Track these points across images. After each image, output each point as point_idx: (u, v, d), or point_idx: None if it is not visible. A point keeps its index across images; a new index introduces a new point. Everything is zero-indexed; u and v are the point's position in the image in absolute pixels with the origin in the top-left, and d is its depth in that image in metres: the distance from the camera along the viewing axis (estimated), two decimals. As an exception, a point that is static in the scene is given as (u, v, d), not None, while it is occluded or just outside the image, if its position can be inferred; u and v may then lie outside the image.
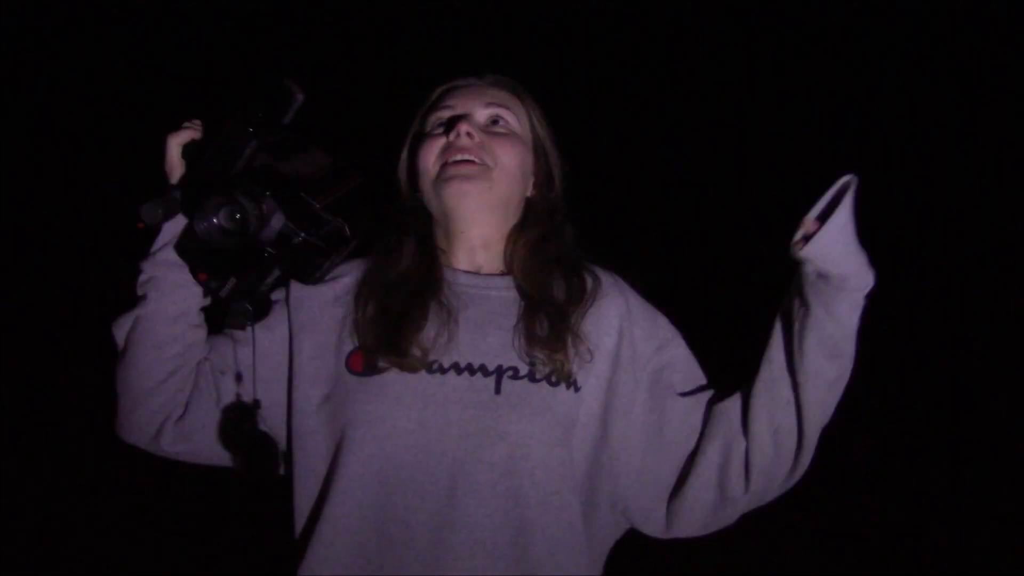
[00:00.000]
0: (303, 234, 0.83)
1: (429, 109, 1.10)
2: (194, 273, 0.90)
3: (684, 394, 1.05)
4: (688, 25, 4.86)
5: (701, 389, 1.07)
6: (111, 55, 4.77)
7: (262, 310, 0.92)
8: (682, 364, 1.07)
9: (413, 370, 0.96)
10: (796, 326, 0.93)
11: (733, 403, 1.01)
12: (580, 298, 1.04)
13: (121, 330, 0.98)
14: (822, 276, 0.88)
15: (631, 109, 4.90)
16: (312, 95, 0.88)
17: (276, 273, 0.90)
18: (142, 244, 0.96)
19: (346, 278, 1.06)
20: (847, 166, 0.89)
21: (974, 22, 4.49)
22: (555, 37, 4.80)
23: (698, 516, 1.02)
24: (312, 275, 0.88)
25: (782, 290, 0.97)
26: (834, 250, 0.85)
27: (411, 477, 0.94)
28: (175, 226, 0.94)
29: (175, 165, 0.95)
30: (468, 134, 1.01)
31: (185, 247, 0.89)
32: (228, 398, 1.01)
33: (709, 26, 4.89)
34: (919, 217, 4.54)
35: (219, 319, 0.96)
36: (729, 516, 1.04)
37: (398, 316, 0.99)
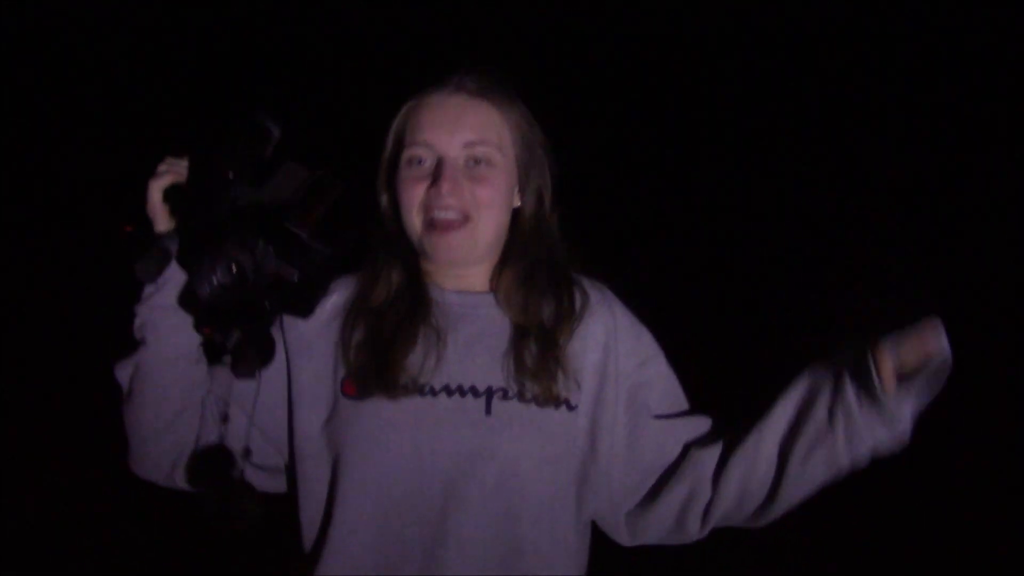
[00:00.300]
0: (297, 272, 0.83)
1: (403, 137, 1.04)
2: (198, 328, 0.90)
3: (659, 416, 1.06)
4: (679, 30, 4.85)
5: (679, 412, 1.08)
6: (104, 57, 4.79)
7: (268, 354, 0.92)
8: (660, 383, 1.08)
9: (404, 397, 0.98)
10: (809, 431, 0.95)
11: (710, 453, 1.03)
12: (568, 319, 1.03)
13: (123, 374, 0.99)
14: (868, 397, 0.90)
15: (622, 112, 4.90)
16: (287, 95, 0.88)
17: (279, 316, 0.92)
18: (130, 248, 0.96)
19: (335, 296, 1.06)
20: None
21: (973, 23, 4.48)
22: (540, 37, 4.79)
23: (654, 536, 1.08)
24: (310, 311, 0.90)
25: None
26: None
27: (405, 496, 0.97)
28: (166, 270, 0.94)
29: (158, 211, 0.93)
30: (450, 191, 0.99)
31: (186, 302, 0.89)
32: (233, 430, 1.01)
33: (700, 32, 4.89)
34: (917, 218, 4.54)
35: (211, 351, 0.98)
36: (686, 540, 1.08)
37: (385, 345, 1.00)
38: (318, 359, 1.03)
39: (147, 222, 0.94)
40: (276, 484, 1.08)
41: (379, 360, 0.99)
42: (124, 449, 1.03)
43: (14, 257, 4.54)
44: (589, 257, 1.11)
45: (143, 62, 4.82)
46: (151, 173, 0.94)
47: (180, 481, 1.02)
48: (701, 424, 1.08)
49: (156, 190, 0.93)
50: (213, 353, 0.97)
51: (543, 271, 1.05)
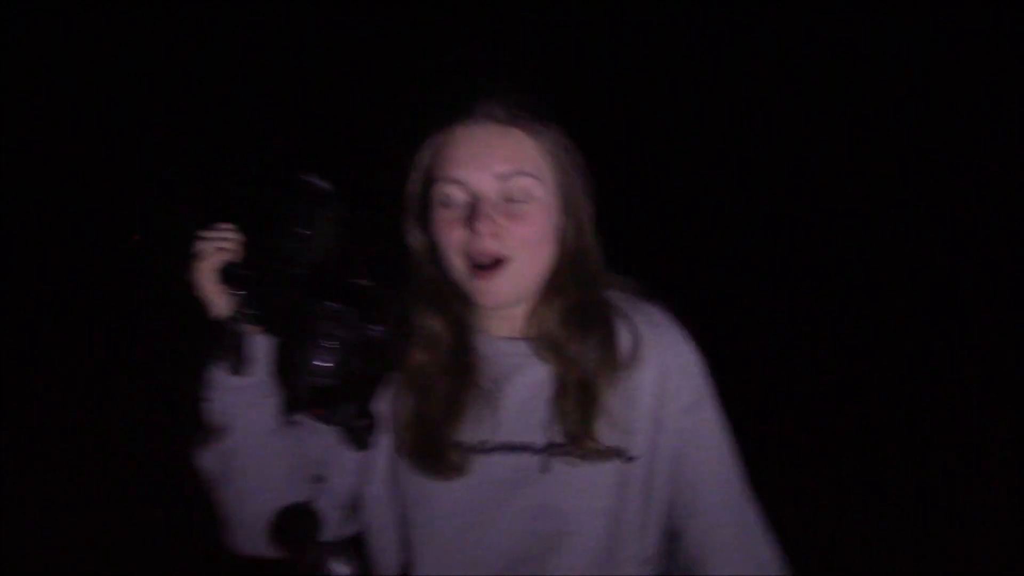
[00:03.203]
0: (380, 328, 0.81)
1: (432, 174, 0.96)
2: (307, 409, 0.86)
3: (693, 488, 1.02)
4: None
5: (712, 480, 1.02)
6: (112, 60, 4.81)
7: (375, 422, 0.89)
8: (706, 435, 1.02)
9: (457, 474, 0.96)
10: None
11: None
12: (611, 368, 0.98)
13: (209, 462, 0.93)
14: None
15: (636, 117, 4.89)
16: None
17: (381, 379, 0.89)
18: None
19: None
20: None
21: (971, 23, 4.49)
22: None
23: None
24: (401, 362, 0.90)
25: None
26: None
27: (469, 555, 0.96)
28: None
29: (214, 294, 0.88)
30: (489, 231, 0.91)
31: (291, 393, 0.87)
32: (328, 490, 0.99)
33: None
34: (918, 220, 4.54)
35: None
36: None
37: (437, 427, 0.96)
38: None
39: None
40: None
41: (431, 445, 0.95)
42: (215, 525, 0.97)
43: (18, 261, 4.55)
44: (635, 279, 1.04)
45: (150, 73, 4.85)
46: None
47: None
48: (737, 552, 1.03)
49: (207, 272, 0.87)
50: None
51: (583, 311, 0.98)
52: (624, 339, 0.99)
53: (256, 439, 0.91)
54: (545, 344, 0.98)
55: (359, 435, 0.86)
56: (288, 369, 0.80)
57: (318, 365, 0.76)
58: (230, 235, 0.89)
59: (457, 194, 0.93)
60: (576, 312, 0.98)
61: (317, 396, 0.81)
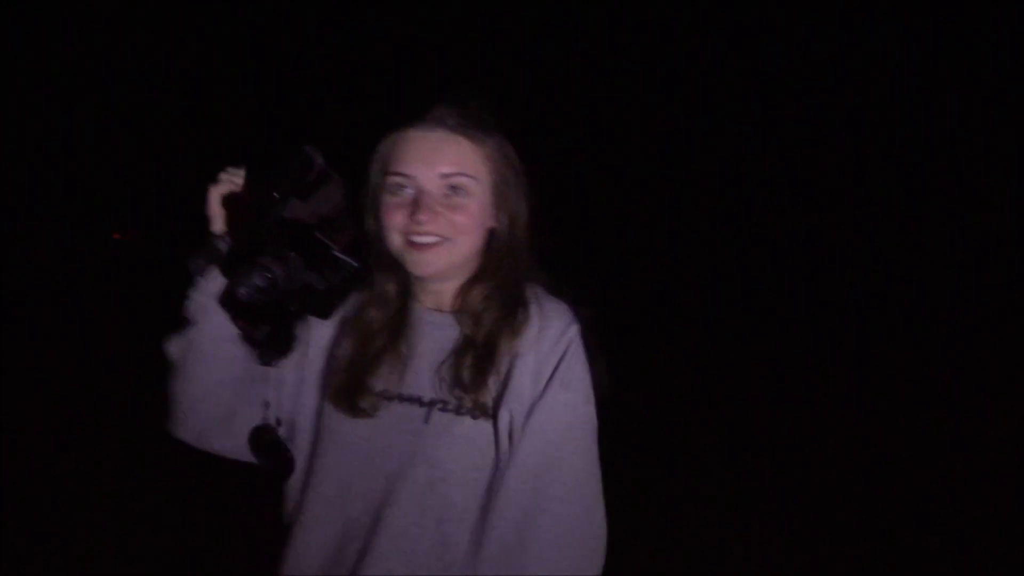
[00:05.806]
0: (323, 281, 1.01)
1: (387, 167, 1.13)
2: (235, 321, 1.09)
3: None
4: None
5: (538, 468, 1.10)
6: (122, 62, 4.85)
7: (288, 348, 1.14)
8: (559, 412, 1.10)
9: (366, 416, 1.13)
10: None
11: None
12: (508, 333, 1.11)
13: (175, 348, 1.16)
14: None
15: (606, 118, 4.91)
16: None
17: (303, 317, 1.12)
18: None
19: (348, 306, 1.18)
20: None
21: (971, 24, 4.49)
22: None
23: None
24: (328, 314, 1.08)
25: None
26: None
27: (358, 484, 1.13)
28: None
29: (216, 213, 1.11)
30: (428, 220, 1.09)
31: (225, 300, 1.07)
32: (271, 413, 1.17)
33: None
34: (918, 219, 4.54)
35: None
36: None
37: (365, 369, 1.14)
38: (323, 358, 1.20)
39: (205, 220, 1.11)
40: None
41: (353, 387, 1.13)
42: (165, 416, 1.19)
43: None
44: (565, 276, 1.16)
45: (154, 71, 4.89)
46: (210, 178, 1.11)
47: (216, 444, 1.19)
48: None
49: (215, 195, 1.10)
50: (249, 342, 1.13)
51: (503, 292, 1.14)
52: (520, 313, 1.13)
53: (212, 338, 1.13)
54: (467, 313, 1.14)
55: (267, 353, 1.10)
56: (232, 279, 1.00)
57: (248, 283, 0.96)
58: (240, 174, 1.12)
59: (405, 184, 1.11)
60: (497, 292, 1.14)
61: (244, 310, 1.02)
